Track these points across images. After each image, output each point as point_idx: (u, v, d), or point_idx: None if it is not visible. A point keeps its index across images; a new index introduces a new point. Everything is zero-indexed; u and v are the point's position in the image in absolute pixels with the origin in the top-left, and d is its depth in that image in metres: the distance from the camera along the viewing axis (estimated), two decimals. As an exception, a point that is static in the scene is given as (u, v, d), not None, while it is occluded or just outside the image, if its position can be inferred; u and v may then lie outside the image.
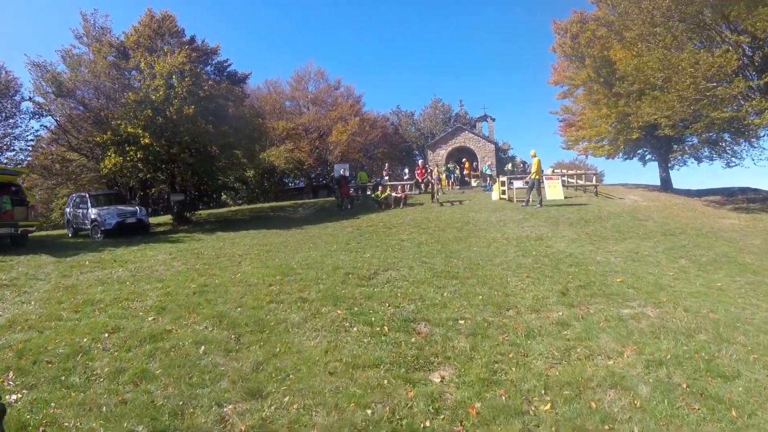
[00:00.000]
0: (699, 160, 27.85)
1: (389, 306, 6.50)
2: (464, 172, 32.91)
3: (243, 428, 3.75)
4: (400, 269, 8.65)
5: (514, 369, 4.59)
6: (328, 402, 4.04)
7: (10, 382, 4.54)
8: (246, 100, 25.63)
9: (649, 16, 19.48)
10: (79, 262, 10.62)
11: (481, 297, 6.85)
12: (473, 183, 31.65)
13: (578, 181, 25.24)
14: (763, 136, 23.10)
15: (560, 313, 6.13)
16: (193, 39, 23.46)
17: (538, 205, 17.36)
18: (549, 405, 3.97)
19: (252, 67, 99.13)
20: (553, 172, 25.98)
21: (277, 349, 5.10)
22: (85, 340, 5.62)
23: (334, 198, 26.04)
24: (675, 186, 28.45)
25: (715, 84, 18.53)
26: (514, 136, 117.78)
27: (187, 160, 19.06)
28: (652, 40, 19.77)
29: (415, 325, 5.85)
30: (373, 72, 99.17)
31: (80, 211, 18.18)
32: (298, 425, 3.81)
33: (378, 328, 5.68)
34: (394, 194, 21.56)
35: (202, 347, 5.12)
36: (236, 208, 32.23)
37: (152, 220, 24.90)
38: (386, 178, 29.23)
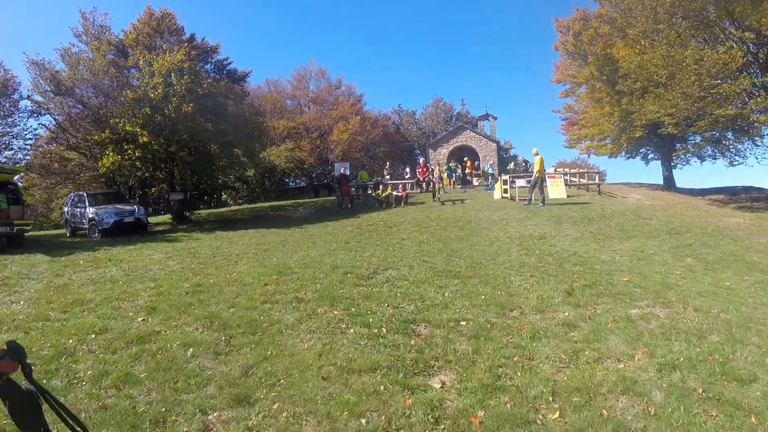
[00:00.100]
0: (702, 159, 27.71)
1: (388, 306, 6.25)
2: (466, 171, 32.67)
3: (226, 438, 3.52)
4: (400, 268, 8.41)
5: (519, 374, 4.32)
6: (320, 410, 3.78)
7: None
8: (246, 99, 25.45)
9: (653, 13, 19.26)
10: (74, 262, 10.44)
11: (483, 297, 6.60)
12: (475, 182, 31.42)
13: (581, 179, 25.01)
14: (767, 134, 22.86)
15: (566, 314, 5.88)
16: (192, 37, 23.35)
17: (541, 204, 17.15)
18: (557, 413, 3.69)
19: (253, 67, 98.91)
20: (555, 171, 25.71)
21: (269, 352, 4.85)
22: (70, 341, 5.41)
23: (334, 197, 25.84)
24: (678, 185, 28.24)
25: (719, 81, 18.29)
26: (515, 135, 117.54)
27: (185, 159, 18.87)
28: (656, 37, 19.54)
29: (415, 326, 5.59)
30: (374, 71, 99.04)
31: (78, 210, 18.03)
32: (285, 436, 3.56)
33: (376, 330, 5.42)
34: (395, 193, 21.36)
35: (191, 350, 4.88)
36: (236, 207, 32.06)
37: (152, 219, 24.78)
38: (387, 177, 29.01)
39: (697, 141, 26.74)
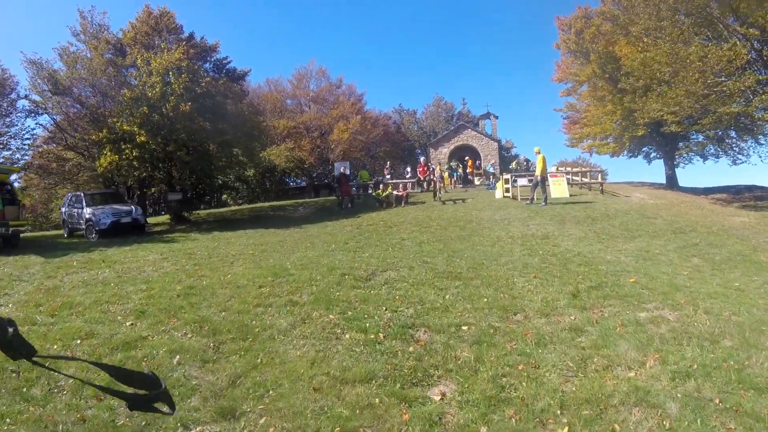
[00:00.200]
0: (705, 157, 27.50)
1: (386, 310, 5.99)
2: (467, 171, 32.42)
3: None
4: (400, 269, 8.17)
5: (524, 384, 4.05)
6: (310, 426, 3.52)
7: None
8: (245, 98, 25.25)
9: (656, 10, 19.05)
10: (67, 263, 10.23)
11: (485, 300, 6.34)
12: (476, 181, 31.17)
13: (583, 179, 24.77)
14: (770, 132, 22.61)
15: (572, 318, 5.63)
16: (191, 36, 23.18)
17: (543, 203, 16.92)
18: (566, 428, 3.43)
19: (254, 67, 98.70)
20: (557, 169, 25.48)
21: (259, 360, 4.60)
22: (55, 347, 5.20)
23: (334, 197, 25.61)
24: (680, 184, 27.98)
25: (723, 79, 18.06)
26: (517, 135, 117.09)
27: (183, 159, 18.66)
28: (659, 34, 19.29)
29: (414, 331, 5.33)
30: (375, 70, 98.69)
31: (75, 210, 17.85)
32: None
33: (372, 336, 5.16)
34: (395, 192, 21.13)
35: (177, 357, 4.64)
36: (236, 207, 31.86)
37: (151, 219, 24.63)
38: (388, 176, 28.75)
39: (699, 140, 26.53)
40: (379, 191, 21.74)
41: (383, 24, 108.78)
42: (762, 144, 23.75)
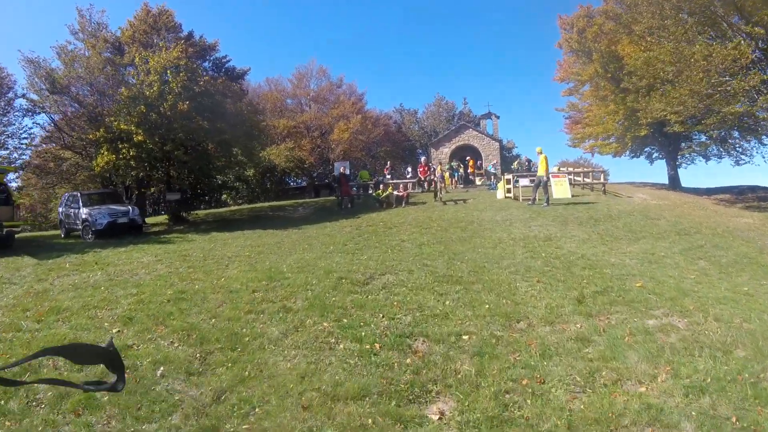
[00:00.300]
0: (707, 158, 27.28)
1: (383, 317, 5.75)
2: (468, 171, 32.16)
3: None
4: (399, 273, 7.93)
5: (529, 401, 3.80)
6: (295, 450, 3.27)
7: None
8: (245, 97, 25.02)
9: (659, 8, 18.81)
10: (60, 265, 10.02)
11: (487, 306, 6.10)
12: (477, 181, 30.92)
13: (585, 179, 24.52)
14: (774, 132, 22.33)
15: (578, 326, 5.39)
16: (191, 34, 22.97)
17: (545, 204, 16.69)
18: (575, 454, 3.20)
19: (254, 66, 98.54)
20: (559, 170, 25.23)
21: (247, 373, 4.36)
22: (38, 356, 4.94)
23: (334, 197, 25.37)
24: (682, 184, 27.73)
25: (728, 78, 17.82)
26: (518, 134, 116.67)
27: (181, 158, 18.46)
28: (663, 33, 19.06)
29: (412, 341, 5.08)
30: (376, 70, 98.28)
31: (72, 210, 17.67)
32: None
33: (368, 346, 4.91)
34: (395, 193, 20.88)
35: (161, 368, 4.41)
36: (236, 207, 31.64)
37: (149, 219, 24.44)
38: (388, 176, 28.48)
39: (702, 140, 26.29)
40: (379, 191, 21.49)
41: (384, 23, 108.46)
42: (765, 144, 23.51)
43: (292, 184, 41.86)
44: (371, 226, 14.48)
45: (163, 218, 24.22)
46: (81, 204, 17.01)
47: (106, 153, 17.77)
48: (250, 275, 7.90)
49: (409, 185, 24.65)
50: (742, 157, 24.75)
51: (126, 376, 1.11)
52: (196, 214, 24.73)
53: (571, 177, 22.35)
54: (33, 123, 27.48)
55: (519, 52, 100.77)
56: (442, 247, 10.50)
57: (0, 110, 22.29)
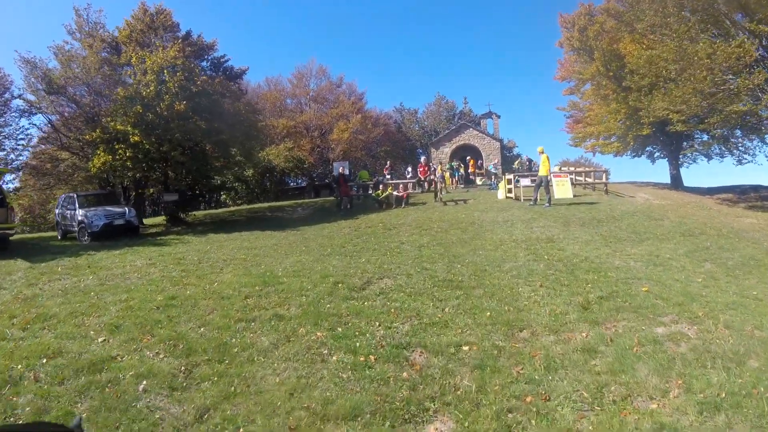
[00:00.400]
0: (709, 157, 27.02)
1: (379, 326, 5.51)
2: (469, 171, 31.91)
3: None
4: (397, 277, 7.71)
5: (533, 421, 3.53)
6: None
7: None
8: (244, 97, 24.81)
9: (662, 6, 18.57)
10: (52, 269, 9.81)
11: (488, 313, 5.86)
12: (478, 181, 30.68)
13: (587, 178, 24.29)
14: (778, 131, 22.06)
15: (584, 334, 5.15)
16: (188, 34, 22.80)
17: (547, 204, 16.47)
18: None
19: (254, 66, 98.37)
20: (560, 169, 24.99)
21: (233, 388, 4.12)
22: (19, 366, 4.76)
23: (333, 198, 25.15)
24: (684, 183, 27.49)
25: (731, 77, 17.59)
26: (519, 134, 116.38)
27: (178, 159, 18.22)
28: (665, 30, 18.81)
29: (409, 352, 4.83)
30: (376, 69, 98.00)
31: (68, 212, 17.54)
32: None
33: (362, 358, 4.67)
34: (395, 193, 20.65)
35: (144, 383, 4.18)
36: (235, 208, 31.44)
37: (148, 221, 24.26)
38: (388, 176, 28.21)
39: (704, 139, 26.07)
40: (379, 192, 21.26)
41: (384, 22, 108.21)
42: (768, 143, 23.22)
43: (291, 184, 41.68)
44: (370, 227, 14.27)
45: (161, 219, 24.03)
46: (77, 205, 16.84)
47: (102, 154, 17.58)
48: (244, 280, 7.67)
49: (409, 185, 24.43)
50: (745, 156, 24.48)
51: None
52: (194, 215, 24.54)
53: (573, 177, 22.13)
54: (29, 124, 27.30)
55: (519, 51, 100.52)
56: (442, 249, 10.28)
57: (-4, 110, 22.11)
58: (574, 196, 18.61)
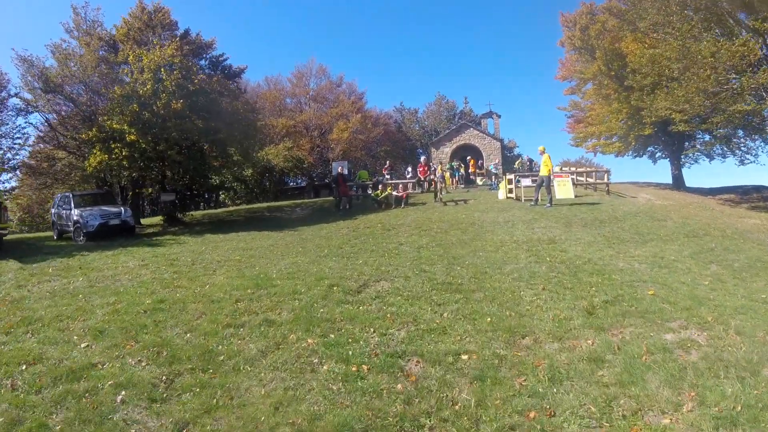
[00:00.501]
0: (711, 157, 26.81)
1: (374, 332, 5.26)
2: (469, 171, 31.68)
3: None
4: (395, 279, 7.47)
5: None
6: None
7: None
8: (242, 96, 24.57)
9: (664, 4, 18.34)
10: (43, 270, 9.60)
11: (489, 319, 5.61)
12: (479, 181, 30.44)
13: (588, 179, 24.07)
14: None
15: (590, 342, 4.90)
16: (187, 32, 22.63)
17: (548, 204, 16.23)
18: None
19: (254, 66, 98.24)
20: (561, 169, 24.77)
21: (215, 401, 3.87)
22: (-3, 373, 4.52)
23: (332, 198, 24.92)
24: (686, 184, 27.29)
25: (735, 76, 17.36)
26: (519, 134, 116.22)
27: (174, 158, 17.99)
28: (668, 29, 18.59)
29: (404, 362, 4.57)
30: (376, 69, 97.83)
31: (64, 212, 17.34)
32: None
33: (355, 367, 4.41)
34: (394, 193, 20.41)
35: (122, 393, 3.94)
36: (233, 208, 31.22)
37: (145, 221, 24.05)
38: (387, 176, 27.95)
39: (706, 139, 25.88)
40: (378, 192, 21.03)
41: (384, 22, 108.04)
42: (772, 143, 23.00)
43: (291, 184, 41.49)
44: (369, 227, 14.04)
45: (159, 219, 23.82)
46: (73, 205, 16.66)
47: (98, 153, 17.37)
48: (237, 282, 7.44)
49: (409, 185, 24.20)
50: (747, 156, 24.29)
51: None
52: (192, 215, 24.33)
53: (574, 177, 21.91)
54: (26, 122, 27.09)
55: (520, 51, 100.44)
56: (442, 250, 10.04)
57: (-7, 109, 21.90)
58: (576, 196, 18.39)
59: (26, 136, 23.20)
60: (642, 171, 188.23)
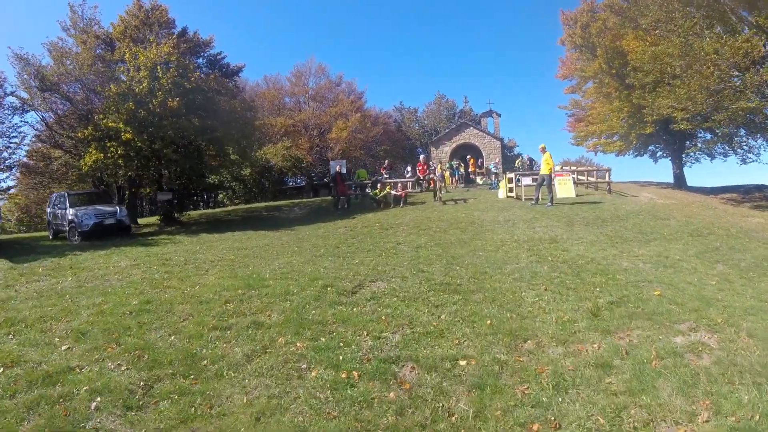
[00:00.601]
0: (713, 156, 26.64)
1: (367, 335, 5.00)
2: (469, 170, 31.44)
3: None
4: (391, 280, 7.22)
5: None
6: None
7: None
8: (240, 95, 24.36)
9: (666, 1, 18.10)
10: (33, 270, 9.36)
11: (489, 321, 5.36)
12: (479, 181, 30.22)
13: (589, 178, 23.84)
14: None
15: (596, 346, 4.65)
16: (184, 30, 22.43)
17: (549, 203, 16.00)
18: None
19: (254, 65, 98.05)
20: (561, 168, 24.55)
21: (193, 409, 3.62)
22: (-28, 376, 4.27)
23: (331, 197, 24.69)
24: (687, 183, 27.10)
25: (738, 73, 17.16)
26: (519, 133, 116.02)
27: (170, 157, 17.74)
28: (670, 26, 18.37)
29: (398, 368, 4.31)
30: (376, 69, 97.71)
31: (59, 211, 17.15)
32: None
33: (345, 374, 4.15)
34: (393, 192, 20.17)
35: (97, 400, 3.68)
36: (231, 207, 31.01)
37: (143, 220, 23.83)
38: (386, 175, 27.67)
39: (707, 138, 25.71)
40: (377, 191, 20.80)
41: (384, 22, 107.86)
42: (773, 142, 22.83)
43: (290, 183, 41.30)
44: (367, 227, 13.80)
45: (156, 219, 23.61)
46: (68, 204, 16.46)
47: (93, 152, 17.14)
48: (228, 282, 7.19)
49: (408, 184, 23.95)
50: (749, 155, 24.12)
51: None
52: (189, 214, 24.10)
53: (575, 176, 21.69)
54: (22, 121, 26.89)
55: (520, 50, 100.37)
56: (441, 249, 9.80)
57: (-11, 108, 21.69)
58: (577, 195, 18.15)
59: (22, 135, 23.07)
60: (642, 170, 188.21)
